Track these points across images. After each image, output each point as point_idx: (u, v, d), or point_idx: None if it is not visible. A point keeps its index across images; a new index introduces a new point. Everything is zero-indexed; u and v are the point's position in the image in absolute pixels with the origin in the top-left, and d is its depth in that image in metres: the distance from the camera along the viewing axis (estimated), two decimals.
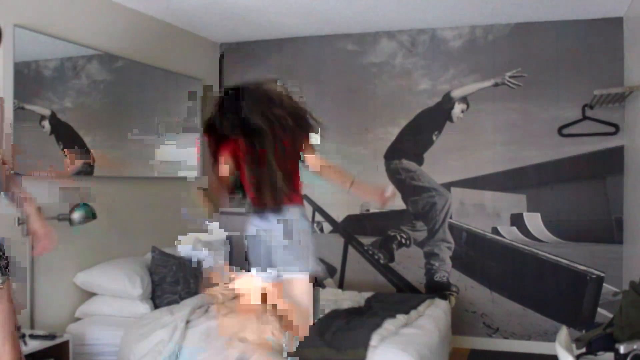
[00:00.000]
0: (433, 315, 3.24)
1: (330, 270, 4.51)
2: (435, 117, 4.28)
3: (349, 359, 2.61)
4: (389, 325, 2.90)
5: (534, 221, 4.09)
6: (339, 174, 2.63)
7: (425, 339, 2.85)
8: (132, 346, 2.89)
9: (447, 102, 4.27)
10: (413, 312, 3.22)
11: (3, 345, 1.97)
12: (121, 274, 3.24)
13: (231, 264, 3.78)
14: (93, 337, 3.04)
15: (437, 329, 3.06)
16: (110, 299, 3.26)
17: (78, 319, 3.25)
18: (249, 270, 2.58)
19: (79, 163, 3.32)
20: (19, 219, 2.89)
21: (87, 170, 3.40)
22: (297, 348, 2.67)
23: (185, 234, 3.78)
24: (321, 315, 3.12)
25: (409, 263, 4.35)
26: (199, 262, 3.58)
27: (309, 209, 4.55)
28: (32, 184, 2.98)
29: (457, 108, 4.24)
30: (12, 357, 1.99)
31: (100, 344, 3.03)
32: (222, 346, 2.80)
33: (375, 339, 2.71)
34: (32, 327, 2.98)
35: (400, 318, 3.05)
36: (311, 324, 2.65)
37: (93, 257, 3.39)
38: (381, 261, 4.40)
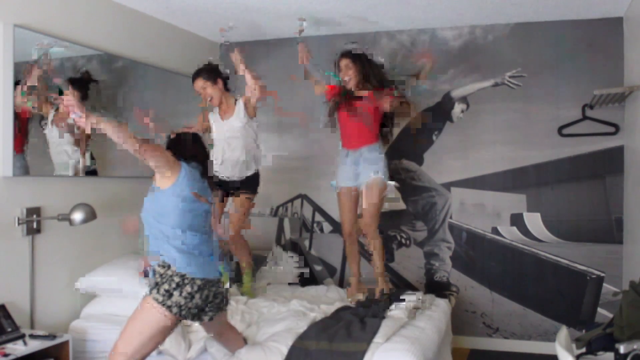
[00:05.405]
0: (433, 316, 3.24)
1: (330, 270, 4.51)
2: (435, 117, 4.28)
3: (350, 350, 2.63)
4: (389, 322, 2.90)
5: (534, 221, 4.09)
6: None
7: (426, 339, 2.85)
8: None
9: (447, 102, 4.27)
10: (402, 304, 3.24)
11: None
12: (124, 273, 3.23)
13: None
14: (94, 336, 3.03)
15: (437, 329, 3.06)
16: (114, 299, 3.24)
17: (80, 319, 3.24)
18: None
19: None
20: (18, 218, 2.89)
21: (91, 170, 3.40)
22: (298, 340, 2.70)
23: None
24: (323, 316, 3.14)
25: (409, 263, 4.35)
26: None
27: (308, 209, 4.55)
28: (34, 183, 3.01)
29: (457, 108, 4.24)
30: None
31: (101, 343, 3.02)
32: (211, 340, 2.82)
33: (379, 336, 2.73)
34: (32, 327, 2.97)
35: (400, 314, 3.06)
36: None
37: (93, 257, 3.39)
38: None
